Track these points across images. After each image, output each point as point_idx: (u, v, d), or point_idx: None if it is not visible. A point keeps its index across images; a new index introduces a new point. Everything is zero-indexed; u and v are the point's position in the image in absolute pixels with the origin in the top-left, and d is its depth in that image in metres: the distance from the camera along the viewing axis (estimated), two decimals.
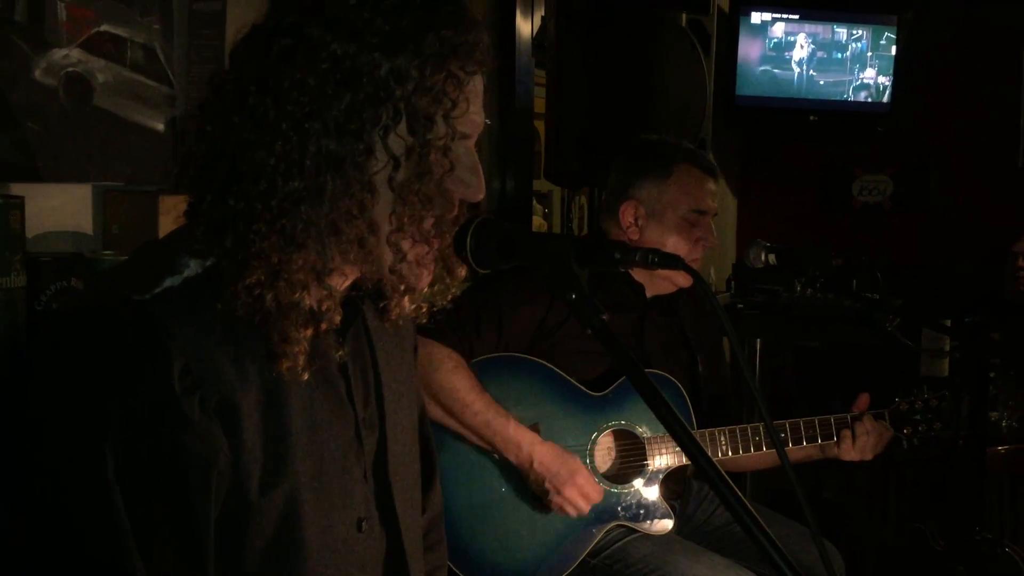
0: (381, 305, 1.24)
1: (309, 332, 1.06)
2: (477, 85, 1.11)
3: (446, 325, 2.09)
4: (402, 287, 1.14)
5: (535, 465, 2.05)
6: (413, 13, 1.04)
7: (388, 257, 1.09)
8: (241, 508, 1.07)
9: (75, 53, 1.77)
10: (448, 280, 1.22)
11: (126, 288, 1.05)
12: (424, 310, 1.24)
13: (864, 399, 2.29)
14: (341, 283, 1.14)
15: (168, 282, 1.04)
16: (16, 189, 1.65)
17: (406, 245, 1.09)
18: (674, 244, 2.25)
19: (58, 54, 1.74)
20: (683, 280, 2.25)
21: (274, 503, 1.09)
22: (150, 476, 1.01)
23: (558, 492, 2.04)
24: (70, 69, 1.77)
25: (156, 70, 1.90)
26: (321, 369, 1.15)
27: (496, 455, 2.09)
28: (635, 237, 2.29)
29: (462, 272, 1.23)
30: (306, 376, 1.08)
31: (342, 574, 1.19)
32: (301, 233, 1.03)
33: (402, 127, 1.05)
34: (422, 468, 1.41)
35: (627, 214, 2.30)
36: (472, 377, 2.08)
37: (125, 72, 1.85)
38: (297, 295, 1.04)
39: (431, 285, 1.19)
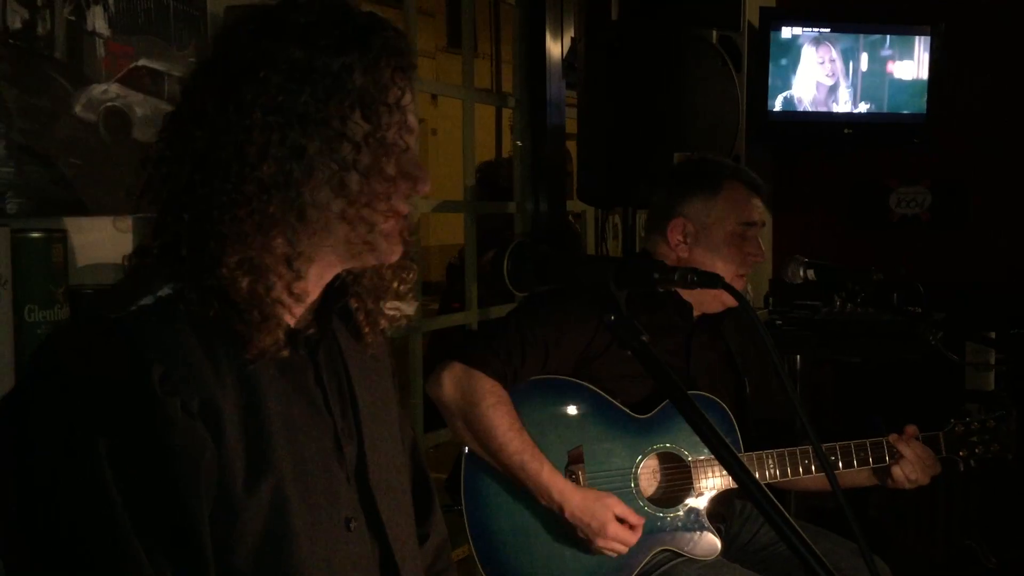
0: (350, 323, 1.31)
1: (278, 317, 1.13)
2: (409, 90, 1.22)
3: (490, 353, 2.08)
4: (372, 282, 1.25)
5: (566, 515, 2.03)
6: (355, 21, 1.16)
7: (361, 231, 1.17)
8: (229, 506, 1.10)
9: (114, 88, 1.80)
10: (404, 281, 1.31)
11: (103, 309, 1.12)
12: (401, 323, 1.33)
13: (911, 431, 2.23)
14: (315, 271, 1.20)
15: (143, 301, 1.11)
16: (58, 223, 1.67)
17: (377, 219, 1.17)
18: (724, 260, 2.24)
19: (97, 89, 1.77)
20: (729, 298, 2.24)
21: (261, 499, 1.12)
22: (142, 478, 1.04)
23: (591, 543, 2.02)
24: (109, 104, 1.79)
25: None
26: (296, 378, 1.21)
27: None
28: (684, 255, 2.28)
29: (412, 276, 1.32)
30: (286, 353, 1.14)
31: (336, 571, 1.20)
32: (268, 220, 1.11)
33: (357, 115, 1.14)
34: (419, 495, 1.46)
35: (676, 231, 2.29)
36: (512, 413, 2.06)
37: (163, 105, 1.88)
38: (270, 278, 1.12)
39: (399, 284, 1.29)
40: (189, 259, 1.11)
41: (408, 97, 1.20)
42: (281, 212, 1.11)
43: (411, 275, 1.32)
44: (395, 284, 1.31)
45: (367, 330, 1.31)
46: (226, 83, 1.12)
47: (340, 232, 1.16)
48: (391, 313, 1.30)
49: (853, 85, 4.15)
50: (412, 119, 1.22)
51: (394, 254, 1.23)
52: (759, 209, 2.30)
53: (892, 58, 4.15)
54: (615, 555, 2.04)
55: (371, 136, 1.15)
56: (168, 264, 1.13)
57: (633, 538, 2.05)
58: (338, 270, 1.25)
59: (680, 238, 2.29)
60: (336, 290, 1.28)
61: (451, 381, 2.06)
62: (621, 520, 2.03)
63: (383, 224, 1.19)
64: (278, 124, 1.10)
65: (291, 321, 1.21)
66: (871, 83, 4.15)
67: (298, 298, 1.17)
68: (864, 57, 4.14)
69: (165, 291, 1.12)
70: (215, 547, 1.08)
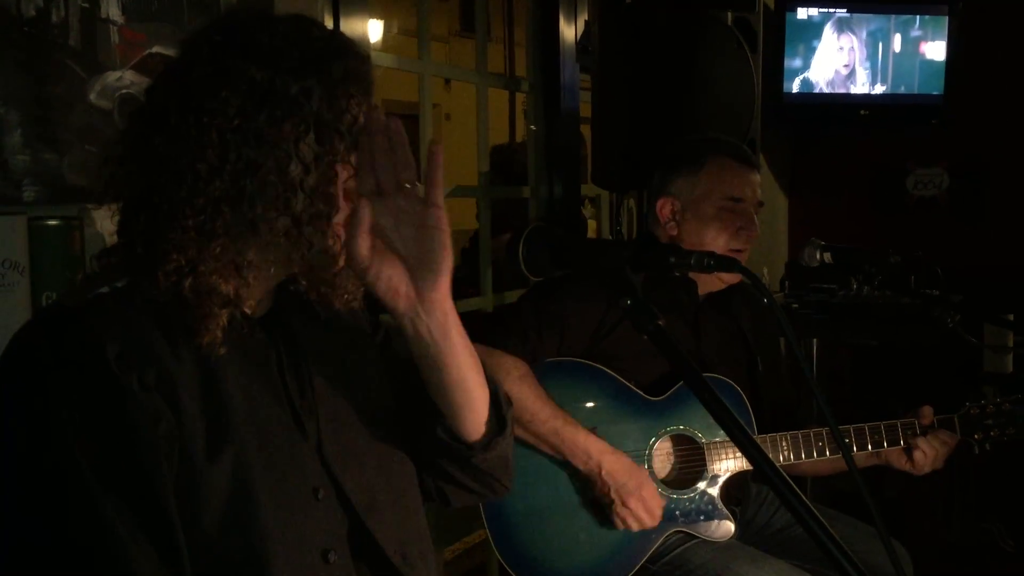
0: (306, 304, 1.33)
1: (225, 313, 1.17)
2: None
3: (508, 332, 2.09)
4: (318, 275, 1.25)
5: (603, 474, 2.04)
6: (317, 45, 1.19)
7: (302, 251, 1.20)
8: (192, 476, 1.13)
9: (128, 75, 1.80)
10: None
11: (62, 299, 1.20)
12: (350, 298, 1.32)
13: (927, 411, 2.23)
14: (264, 276, 1.24)
15: (100, 290, 1.16)
16: (75, 211, 1.68)
17: (317, 240, 1.19)
18: (713, 235, 2.23)
19: (112, 77, 1.78)
20: (730, 276, 2.23)
21: (223, 468, 1.15)
22: (105, 450, 1.09)
23: (623, 503, 2.03)
24: (124, 91, 1.80)
25: None
26: (255, 358, 1.24)
27: (563, 461, 2.09)
28: (674, 233, 2.28)
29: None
30: (223, 351, 1.17)
31: (306, 537, 1.22)
32: (219, 229, 1.15)
33: (311, 138, 1.16)
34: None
35: (664, 210, 2.29)
36: (537, 386, 2.07)
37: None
38: (213, 280, 1.15)
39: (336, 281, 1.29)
40: (143, 257, 1.16)
41: (360, 122, 1.23)
42: (230, 224, 1.15)
43: (358, 290, 1.31)
44: (342, 294, 1.32)
45: (320, 309, 1.33)
46: (187, 95, 1.16)
47: (284, 247, 1.20)
48: (346, 297, 1.31)
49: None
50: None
51: (335, 268, 1.24)
52: (749, 184, 2.26)
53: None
54: (636, 527, 2.05)
55: (320, 159, 1.17)
56: (127, 261, 1.18)
57: (659, 514, 2.06)
58: (288, 273, 1.28)
59: (668, 216, 2.29)
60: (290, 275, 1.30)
61: None
62: None
63: (323, 243, 1.21)
64: (234, 143, 1.14)
65: (248, 309, 1.25)
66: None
67: (243, 301, 1.21)
68: (880, 36, 4.11)
69: (121, 283, 1.18)
70: (184, 516, 1.12)
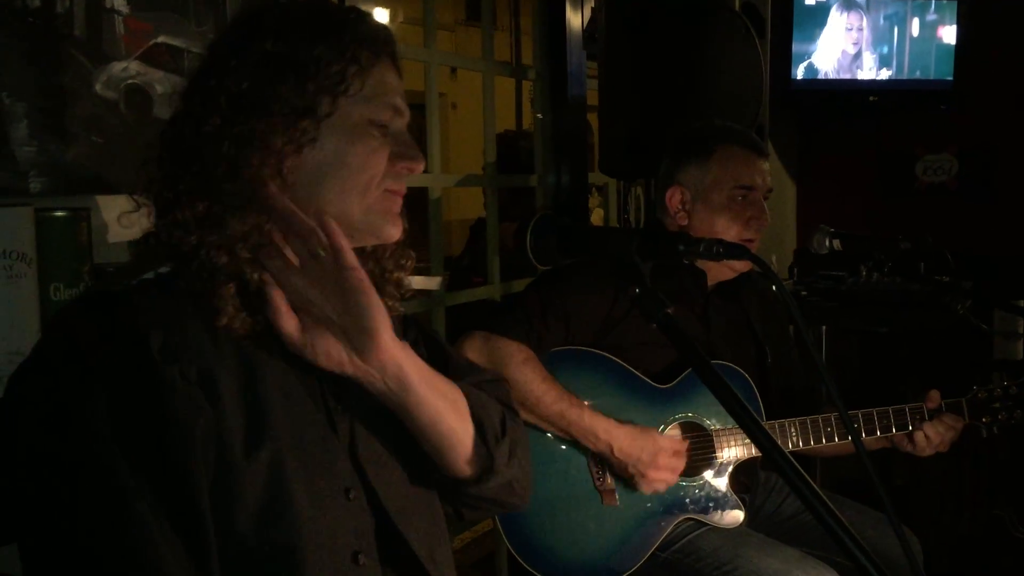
0: None
1: (231, 288, 1.15)
2: (390, 74, 1.25)
3: (512, 319, 2.09)
4: (376, 239, 1.26)
5: (615, 452, 2.04)
6: (331, 16, 1.22)
7: (355, 211, 1.20)
8: (229, 473, 1.12)
9: (134, 65, 1.80)
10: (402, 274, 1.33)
11: (107, 284, 1.20)
12: (393, 303, 1.33)
13: (935, 396, 2.23)
14: None
15: (144, 277, 1.17)
16: (82, 202, 1.68)
17: (372, 199, 1.21)
18: (724, 225, 2.21)
19: (117, 67, 1.78)
20: (740, 264, 2.22)
21: (259, 466, 1.14)
22: (141, 441, 1.07)
23: (643, 476, 2.03)
24: (129, 81, 1.80)
25: None
26: (292, 355, 1.22)
27: (563, 444, 2.09)
28: (684, 222, 2.27)
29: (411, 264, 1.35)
30: (242, 329, 1.16)
31: (337, 538, 1.21)
32: (215, 199, 1.15)
33: (329, 101, 1.18)
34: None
35: (674, 199, 2.28)
36: (542, 369, 2.07)
37: (183, 82, 1.88)
38: (212, 254, 1.14)
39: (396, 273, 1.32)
40: (181, 243, 1.16)
41: (389, 80, 1.24)
42: (228, 196, 1.15)
43: (410, 263, 1.34)
44: (394, 273, 1.33)
45: None
46: (206, 80, 1.19)
47: (332, 213, 1.18)
48: (389, 304, 1.30)
49: (877, 50, 4.08)
50: (398, 101, 1.25)
51: (393, 234, 1.26)
52: (760, 172, 2.24)
53: (918, 21, 4.09)
54: (664, 488, 2.06)
55: (339, 122, 1.19)
56: (169, 247, 1.17)
57: (682, 464, 2.06)
58: None
59: (678, 206, 2.27)
60: None
61: (474, 350, 2.07)
62: None
63: (379, 204, 1.22)
64: (242, 109, 1.15)
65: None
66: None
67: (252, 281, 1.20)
68: (889, 21, 4.08)
69: (164, 269, 1.18)
70: (218, 512, 1.11)
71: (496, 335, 2.07)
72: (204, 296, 1.15)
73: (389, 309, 1.29)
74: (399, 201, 1.26)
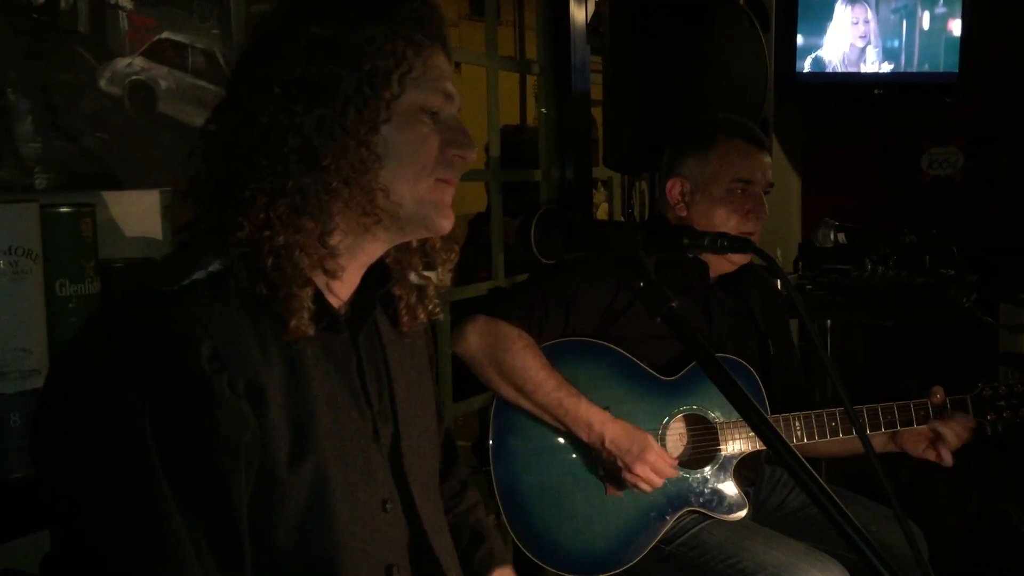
0: (391, 309, 1.32)
1: (309, 291, 1.13)
2: (441, 57, 1.20)
3: (515, 306, 2.10)
4: (427, 232, 1.22)
5: (606, 443, 2.04)
6: None
7: (407, 202, 1.17)
8: (271, 485, 1.10)
9: (138, 61, 1.80)
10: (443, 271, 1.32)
11: (157, 283, 1.12)
12: (437, 309, 1.32)
13: (939, 392, 2.22)
14: (355, 247, 1.20)
15: (194, 276, 1.11)
16: (86, 197, 1.68)
17: (423, 189, 1.18)
18: (723, 218, 2.21)
19: (122, 63, 1.78)
20: (738, 256, 2.22)
21: (303, 479, 1.12)
22: (185, 453, 1.04)
23: (629, 470, 2.03)
24: (134, 77, 1.80)
25: (217, 74, 1.92)
26: (339, 360, 1.21)
27: (569, 434, 2.09)
28: (683, 213, 2.27)
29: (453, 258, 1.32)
30: (311, 332, 1.13)
31: (373, 552, 1.20)
32: (293, 192, 1.11)
33: (382, 86, 1.13)
34: (445, 454, 1.48)
35: (674, 191, 2.28)
36: (543, 356, 2.08)
37: (187, 78, 1.88)
38: (296, 255, 1.11)
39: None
40: (230, 237, 1.12)
41: (440, 65, 1.20)
42: (306, 187, 1.12)
43: (454, 255, 1.32)
44: (440, 264, 1.32)
45: (405, 319, 1.32)
46: (254, 65, 1.15)
47: (382, 204, 1.16)
48: (431, 308, 1.31)
49: (883, 43, 4.07)
50: (449, 86, 1.20)
51: (444, 227, 1.22)
52: (759, 166, 2.24)
53: (924, 13, 4.07)
54: (648, 489, 2.05)
55: (396, 110, 1.15)
56: (216, 239, 1.13)
57: (668, 470, 2.06)
58: (386, 247, 1.24)
59: (678, 197, 2.28)
60: (379, 275, 1.27)
61: (476, 333, 2.08)
62: None
63: (430, 194, 1.19)
64: (301, 98, 1.11)
65: (335, 303, 1.21)
66: (901, 41, 4.07)
67: (333, 275, 1.17)
68: (895, 14, 4.07)
69: (215, 266, 1.12)
70: (257, 525, 1.09)
71: (499, 319, 2.07)
72: (267, 298, 1.11)
73: (429, 314, 1.31)
74: (451, 191, 1.22)
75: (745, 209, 2.21)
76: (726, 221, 2.20)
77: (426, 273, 1.33)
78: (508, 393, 2.08)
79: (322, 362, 1.18)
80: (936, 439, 2.18)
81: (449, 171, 1.20)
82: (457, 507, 1.53)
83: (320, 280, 1.17)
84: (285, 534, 1.11)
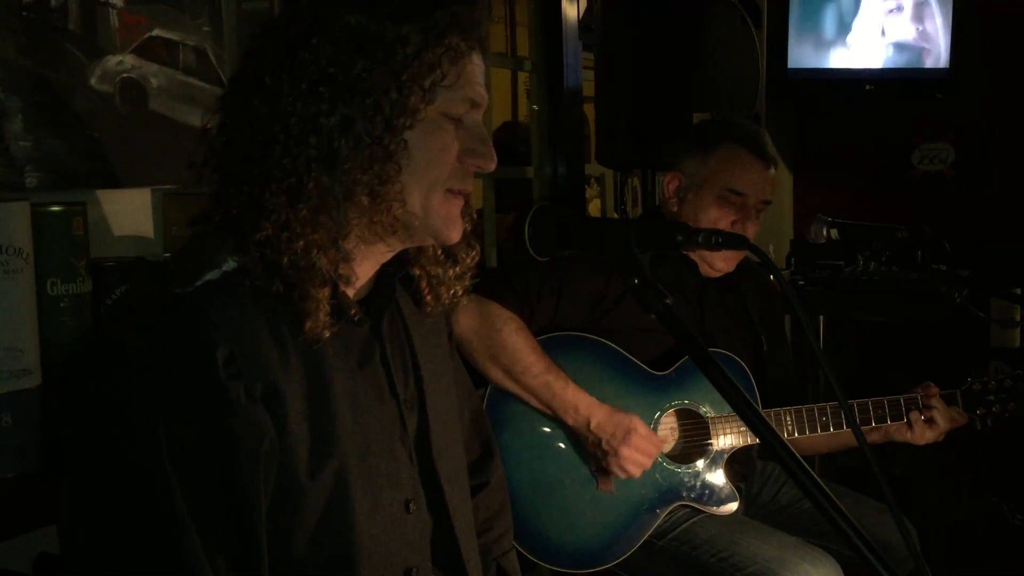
0: (413, 290, 1.28)
1: (326, 292, 1.09)
2: (476, 60, 1.16)
3: (508, 288, 2.10)
4: (436, 242, 1.20)
5: (592, 427, 2.04)
6: None
7: (416, 210, 1.13)
8: (291, 492, 1.08)
9: (129, 59, 1.80)
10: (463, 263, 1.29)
11: (169, 284, 1.07)
12: (460, 293, 1.29)
13: (931, 387, 2.22)
14: (366, 251, 1.17)
15: (208, 276, 1.07)
16: (77, 196, 1.68)
17: (434, 201, 1.14)
18: (708, 222, 2.20)
19: (112, 61, 1.77)
20: (721, 263, 2.23)
21: (323, 484, 1.10)
22: (200, 464, 1.02)
23: (615, 453, 2.02)
24: (125, 75, 1.79)
25: (208, 72, 1.92)
26: (361, 354, 1.18)
27: (561, 428, 2.09)
28: (675, 209, 2.28)
29: (472, 257, 1.29)
30: (327, 334, 1.10)
31: (392, 555, 1.18)
32: (312, 194, 1.07)
33: (410, 89, 1.09)
34: (480, 441, 1.48)
35: (671, 185, 2.29)
36: (533, 340, 2.08)
37: (178, 75, 1.88)
38: (313, 255, 1.08)
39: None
40: (247, 233, 1.08)
41: (475, 70, 1.15)
42: (325, 189, 1.08)
43: (474, 256, 1.29)
44: (460, 262, 1.29)
45: (429, 298, 1.28)
46: (282, 50, 1.09)
47: (395, 212, 1.12)
48: (454, 290, 1.27)
49: (873, 39, 4.07)
50: (478, 92, 1.16)
51: (452, 237, 1.18)
52: (759, 180, 2.21)
53: (914, 10, 4.07)
54: (635, 472, 2.04)
55: (421, 116, 1.10)
56: (231, 235, 1.10)
57: (655, 451, 2.06)
58: (395, 250, 1.21)
59: (672, 192, 2.28)
60: (397, 259, 1.24)
61: (468, 314, 2.07)
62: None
63: (440, 207, 1.15)
64: (327, 96, 1.07)
65: (350, 292, 1.18)
66: (892, 37, 4.08)
67: (346, 280, 1.14)
68: (885, 10, 4.07)
69: (230, 264, 1.08)
70: (274, 531, 1.07)
71: (490, 299, 2.07)
72: (283, 297, 1.08)
73: (452, 296, 1.28)
74: (461, 203, 1.18)
75: (730, 219, 2.21)
76: (712, 226, 2.20)
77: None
78: (496, 375, 2.07)
79: (343, 358, 1.15)
80: (928, 422, 2.19)
81: (462, 182, 1.17)
82: (488, 532, 1.50)
83: (335, 275, 1.14)
84: (302, 538, 1.10)
